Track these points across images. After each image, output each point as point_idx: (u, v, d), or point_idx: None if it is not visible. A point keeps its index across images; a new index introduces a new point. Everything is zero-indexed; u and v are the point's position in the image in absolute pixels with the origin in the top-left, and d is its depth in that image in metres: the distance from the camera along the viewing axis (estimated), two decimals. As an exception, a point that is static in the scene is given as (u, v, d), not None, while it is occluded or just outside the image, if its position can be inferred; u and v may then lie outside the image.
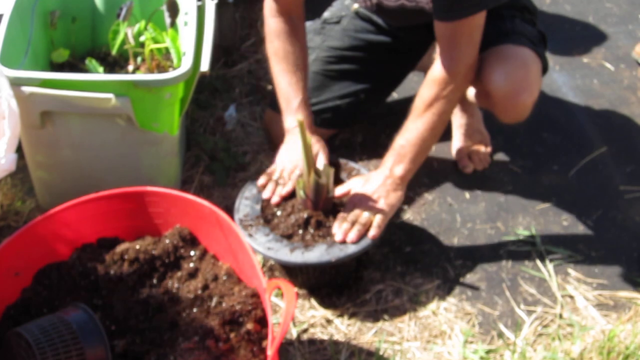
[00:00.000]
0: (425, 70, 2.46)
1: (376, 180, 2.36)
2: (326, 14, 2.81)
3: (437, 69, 2.32)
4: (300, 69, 2.49)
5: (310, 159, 2.22)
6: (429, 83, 2.34)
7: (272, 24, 2.52)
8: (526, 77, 2.41)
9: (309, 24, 2.77)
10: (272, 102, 2.77)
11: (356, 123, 2.91)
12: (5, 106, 2.16)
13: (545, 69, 2.53)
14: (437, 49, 2.35)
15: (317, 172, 2.26)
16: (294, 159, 2.43)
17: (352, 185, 2.39)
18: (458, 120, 2.87)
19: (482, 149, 2.86)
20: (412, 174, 2.39)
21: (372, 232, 2.27)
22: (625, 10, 3.75)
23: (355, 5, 2.74)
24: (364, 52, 2.74)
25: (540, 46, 2.53)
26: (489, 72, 2.40)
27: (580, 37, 3.58)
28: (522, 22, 2.54)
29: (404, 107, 3.02)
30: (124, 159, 2.47)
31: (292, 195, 2.39)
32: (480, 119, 2.90)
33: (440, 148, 2.91)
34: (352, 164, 2.51)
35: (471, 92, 2.65)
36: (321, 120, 2.70)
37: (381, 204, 2.32)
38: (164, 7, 2.55)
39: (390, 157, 2.38)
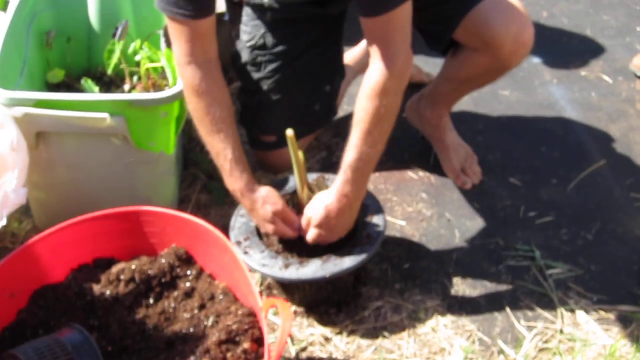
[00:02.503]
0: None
1: (329, 206, 2.24)
2: (245, 37, 2.68)
3: (375, 77, 2.16)
4: (226, 123, 2.28)
5: (302, 175, 2.21)
6: (371, 95, 2.17)
7: (187, 75, 2.26)
8: (518, 13, 2.51)
9: (240, 51, 2.71)
10: (251, 142, 2.81)
11: (334, 113, 2.90)
12: (14, 139, 2.16)
13: None
14: (371, 54, 2.20)
15: (310, 188, 2.25)
16: (277, 214, 2.29)
17: (311, 213, 2.28)
18: (440, 142, 2.89)
19: (471, 161, 2.87)
20: (364, 190, 2.29)
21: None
22: (622, 23, 3.75)
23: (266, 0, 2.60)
24: (302, 55, 2.68)
25: None
26: (489, 31, 2.49)
27: (578, 50, 3.58)
28: None
29: (401, 124, 3.03)
30: (121, 179, 2.47)
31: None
32: (456, 133, 2.92)
33: (439, 164, 2.90)
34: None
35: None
36: (305, 130, 2.71)
37: (333, 231, 2.28)
38: (161, 32, 2.55)
39: (340, 178, 2.24)
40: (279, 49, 2.65)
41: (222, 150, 2.27)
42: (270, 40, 2.64)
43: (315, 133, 2.84)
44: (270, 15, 2.62)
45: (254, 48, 2.66)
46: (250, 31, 2.66)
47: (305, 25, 2.65)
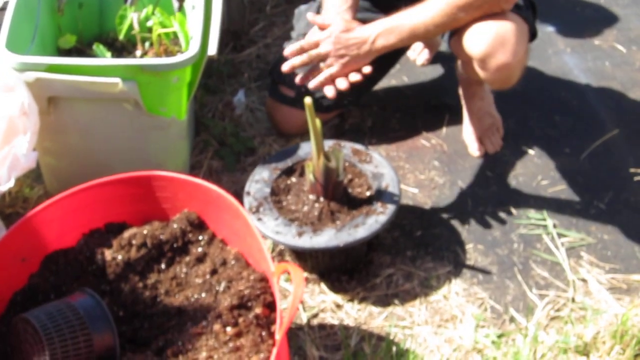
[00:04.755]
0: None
1: (353, 40, 2.41)
2: None
3: None
4: None
5: (319, 143, 2.20)
6: None
7: None
8: (503, 34, 2.33)
9: (304, 7, 2.76)
10: (271, 91, 2.77)
11: (353, 102, 2.87)
12: (26, 103, 2.15)
13: (533, 35, 2.52)
14: None
15: (327, 156, 2.23)
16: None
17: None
18: (468, 103, 2.84)
19: (494, 132, 2.84)
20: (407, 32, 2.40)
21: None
22: (637, -8, 3.72)
23: None
24: None
25: (527, 11, 2.49)
26: (467, 34, 2.39)
27: (591, 19, 3.55)
28: None
29: (414, 91, 3.02)
30: (132, 144, 2.46)
31: (299, 174, 2.41)
32: (492, 102, 2.86)
33: (451, 131, 2.89)
34: (360, 147, 2.48)
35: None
36: (326, 106, 2.68)
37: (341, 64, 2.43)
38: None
39: (382, 25, 2.40)
40: None
41: None
42: None
43: (330, 113, 2.83)
44: None
45: (321, 6, 2.66)
46: None
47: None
